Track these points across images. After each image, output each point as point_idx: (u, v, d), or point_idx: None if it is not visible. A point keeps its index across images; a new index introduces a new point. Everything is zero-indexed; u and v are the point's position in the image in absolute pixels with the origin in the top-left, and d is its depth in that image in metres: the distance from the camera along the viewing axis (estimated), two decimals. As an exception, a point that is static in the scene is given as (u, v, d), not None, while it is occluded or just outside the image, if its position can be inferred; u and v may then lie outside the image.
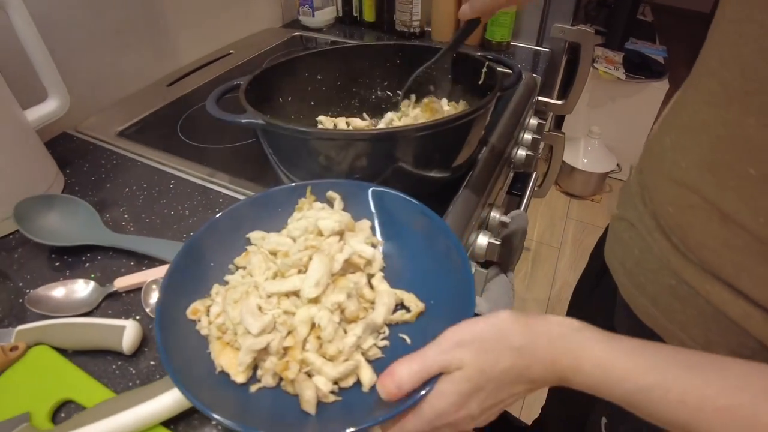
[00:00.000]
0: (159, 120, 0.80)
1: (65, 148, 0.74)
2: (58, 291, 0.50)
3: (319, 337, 0.41)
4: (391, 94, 0.78)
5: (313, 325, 0.42)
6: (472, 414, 0.35)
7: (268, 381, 0.40)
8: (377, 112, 0.77)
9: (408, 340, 0.44)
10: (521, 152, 0.89)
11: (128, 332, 0.45)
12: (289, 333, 0.41)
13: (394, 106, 0.78)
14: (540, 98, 1.03)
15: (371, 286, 0.48)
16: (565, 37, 1.06)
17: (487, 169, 0.70)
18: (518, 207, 0.95)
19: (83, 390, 0.43)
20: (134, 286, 0.51)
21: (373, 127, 0.73)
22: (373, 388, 0.40)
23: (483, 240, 0.69)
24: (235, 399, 0.39)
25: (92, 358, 0.46)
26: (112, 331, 0.45)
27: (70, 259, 0.56)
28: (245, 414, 0.37)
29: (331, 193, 0.54)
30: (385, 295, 0.46)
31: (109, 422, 0.38)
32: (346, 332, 0.42)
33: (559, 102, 1.13)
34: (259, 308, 0.42)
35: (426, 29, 1.12)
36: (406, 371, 0.35)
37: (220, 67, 0.96)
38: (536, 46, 1.13)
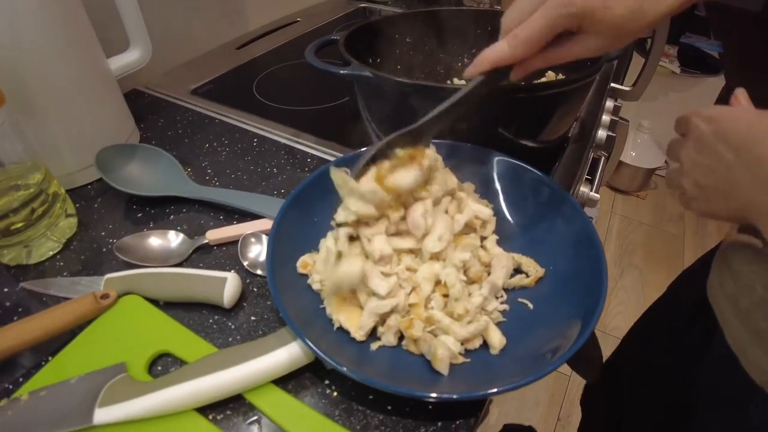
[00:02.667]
0: (232, 81, 0.77)
1: (138, 103, 0.71)
2: (148, 240, 0.48)
3: (445, 296, 0.38)
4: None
5: (437, 283, 0.38)
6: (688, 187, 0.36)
7: (389, 339, 0.36)
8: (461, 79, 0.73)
9: (530, 305, 0.41)
10: (602, 133, 0.85)
11: (229, 284, 0.42)
12: (413, 290, 0.38)
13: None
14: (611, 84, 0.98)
15: (485, 249, 0.44)
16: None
17: (581, 143, 0.65)
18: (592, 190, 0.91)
19: (182, 343, 0.40)
20: (227, 240, 0.48)
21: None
22: (502, 351, 0.36)
23: None
24: (355, 356, 0.36)
25: (186, 311, 0.43)
26: (212, 282, 0.42)
27: (153, 211, 0.53)
28: (369, 370, 0.34)
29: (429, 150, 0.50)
30: (503, 258, 0.42)
31: (217, 377, 0.35)
32: (469, 294, 0.39)
33: (628, 88, 1.07)
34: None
35: (496, 7, 1.08)
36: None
37: (286, 34, 0.93)
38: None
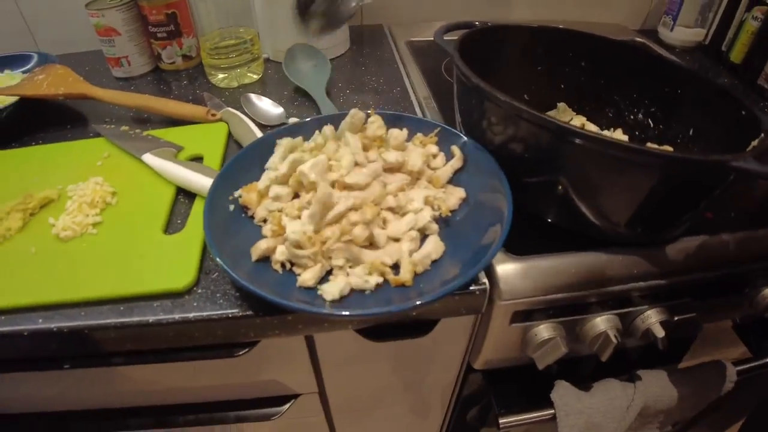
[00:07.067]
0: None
1: (368, 34, 0.93)
2: (261, 101, 0.68)
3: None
4: (651, 124, 0.63)
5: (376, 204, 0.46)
6: None
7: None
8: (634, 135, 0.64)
9: None
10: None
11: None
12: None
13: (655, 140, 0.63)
14: None
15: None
16: None
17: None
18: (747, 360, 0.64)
19: (214, 158, 0.59)
20: (298, 128, 0.64)
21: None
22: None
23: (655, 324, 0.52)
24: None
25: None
26: (251, 134, 0.59)
27: (294, 94, 0.73)
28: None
29: (455, 149, 0.53)
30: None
31: (195, 176, 0.53)
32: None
33: None
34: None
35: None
36: None
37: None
38: None
